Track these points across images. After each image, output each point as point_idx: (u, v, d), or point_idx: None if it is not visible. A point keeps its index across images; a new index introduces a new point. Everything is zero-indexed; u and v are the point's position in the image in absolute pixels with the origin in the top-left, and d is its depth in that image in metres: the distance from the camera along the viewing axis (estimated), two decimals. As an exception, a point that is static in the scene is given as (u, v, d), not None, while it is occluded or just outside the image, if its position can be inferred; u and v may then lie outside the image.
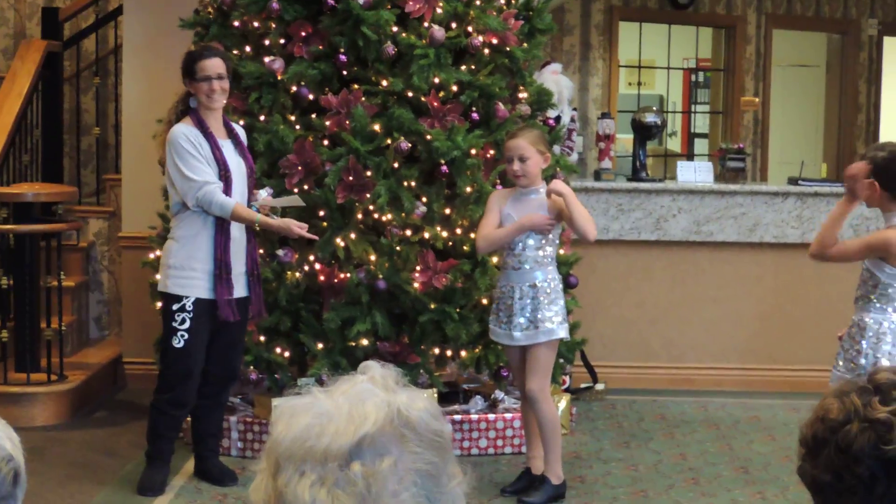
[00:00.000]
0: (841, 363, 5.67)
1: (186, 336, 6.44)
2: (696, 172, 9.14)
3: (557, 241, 6.59)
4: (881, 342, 5.64)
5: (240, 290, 6.56)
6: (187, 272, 6.43)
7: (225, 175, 6.42)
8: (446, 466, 1.81)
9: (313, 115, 7.42)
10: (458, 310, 7.21)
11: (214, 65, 6.46)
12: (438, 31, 7.34)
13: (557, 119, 8.40)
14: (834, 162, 13.19)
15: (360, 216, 7.30)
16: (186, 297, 6.43)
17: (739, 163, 9.36)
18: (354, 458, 1.72)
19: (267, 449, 1.76)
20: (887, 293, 5.58)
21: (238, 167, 6.54)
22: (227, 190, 6.41)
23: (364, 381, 1.82)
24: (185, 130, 6.42)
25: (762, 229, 8.95)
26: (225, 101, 6.56)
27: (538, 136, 6.52)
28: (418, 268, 7.23)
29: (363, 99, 7.32)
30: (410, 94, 7.35)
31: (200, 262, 6.44)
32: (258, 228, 6.60)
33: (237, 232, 6.53)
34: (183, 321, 6.44)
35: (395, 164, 7.30)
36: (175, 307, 6.44)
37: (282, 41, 7.49)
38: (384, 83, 7.37)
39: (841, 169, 10.66)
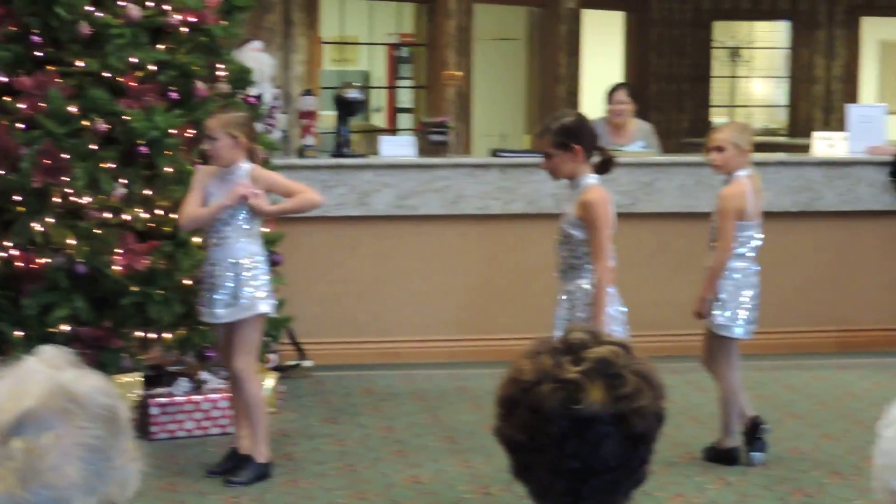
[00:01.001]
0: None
1: None
2: (398, 147, 9.24)
3: (260, 218, 6.58)
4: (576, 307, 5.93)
5: None
6: None
7: None
8: (117, 442, 1.82)
9: (7, 98, 7.22)
10: (160, 291, 7.13)
11: None
12: (134, 10, 7.24)
13: (259, 97, 8.38)
14: (536, 133, 13.47)
15: (57, 199, 7.15)
16: None
17: (442, 136, 9.48)
18: (15, 434, 1.73)
19: None
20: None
21: None
22: None
23: (32, 361, 1.82)
24: None
25: (465, 202, 9.11)
26: None
27: (231, 120, 6.47)
28: (119, 250, 7.13)
29: (58, 80, 7.17)
30: (107, 74, 7.24)
31: None
32: None
33: None
34: None
35: (93, 146, 7.17)
36: None
37: (-29, 22, 7.28)
38: (80, 64, 7.25)
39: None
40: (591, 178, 6.08)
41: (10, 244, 7.11)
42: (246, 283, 6.41)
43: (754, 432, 6.83)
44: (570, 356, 2.26)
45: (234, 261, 6.43)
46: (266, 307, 6.49)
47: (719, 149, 6.77)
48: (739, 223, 6.71)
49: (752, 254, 6.81)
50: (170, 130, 7.23)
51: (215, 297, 6.43)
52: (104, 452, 1.80)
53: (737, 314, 6.74)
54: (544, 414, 2.21)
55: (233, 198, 6.37)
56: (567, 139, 5.98)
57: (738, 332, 6.76)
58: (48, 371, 1.79)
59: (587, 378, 2.22)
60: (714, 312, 6.76)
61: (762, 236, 6.85)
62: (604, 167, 6.13)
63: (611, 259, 6.11)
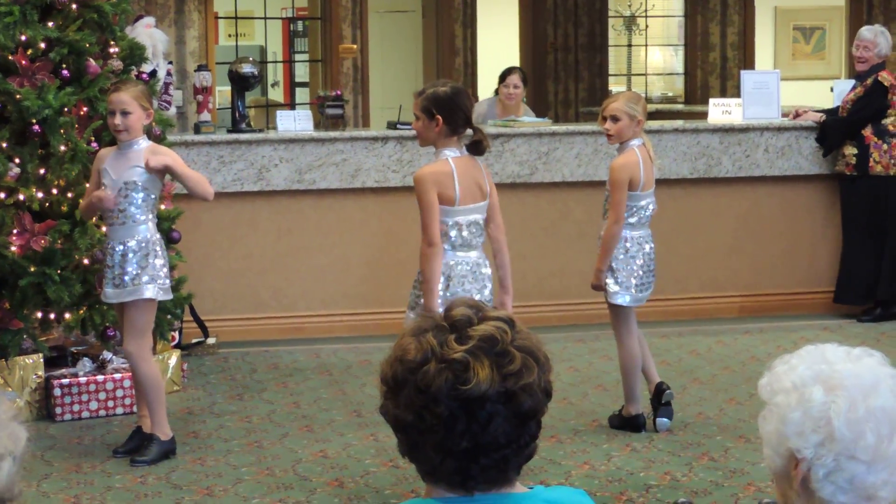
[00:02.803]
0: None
1: None
2: (295, 121, 9.17)
3: (154, 197, 6.49)
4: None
5: None
6: None
7: None
8: None
9: None
10: (59, 271, 7.03)
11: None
12: (23, -13, 7.11)
13: (153, 73, 8.28)
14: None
15: (-50, 181, 7.03)
16: None
17: (338, 110, 9.44)
18: None
19: None
20: None
21: None
22: None
23: None
24: None
25: (364, 174, 9.07)
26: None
27: (141, 91, 6.43)
28: (15, 231, 7.03)
29: (-53, 59, 7.05)
30: (-3, 53, 7.11)
31: None
32: None
33: None
34: None
35: (-15, 126, 7.06)
36: None
37: None
38: (-31, 43, 7.11)
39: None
40: (447, 153, 5.79)
41: None
42: (132, 265, 6.34)
43: (659, 398, 6.88)
44: (455, 334, 2.25)
45: (122, 243, 6.35)
46: (150, 292, 6.38)
47: (614, 118, 6.77)
48: (631, 193, 6.73)
49: (645, 222, 6.84)
50: (63, 109, 7.12)
51: (105, 277, 6.39)
52: None
53: (629, 282, 6.77)
54: (432, 394, 2.21)
55: (101, 204, 6.34)
56: (432, 107, 5.86)
57: (627, 299, 6.78)
58: None
59: (474, 357, 2.22)
60: (606, 281, 6.79)
61: (655, 206, 6.88)
62: (474, 147, 5.83)
63: (434, 243, 5.78)
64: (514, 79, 10.41)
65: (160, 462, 6.44)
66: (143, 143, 6.43)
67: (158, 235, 6.49)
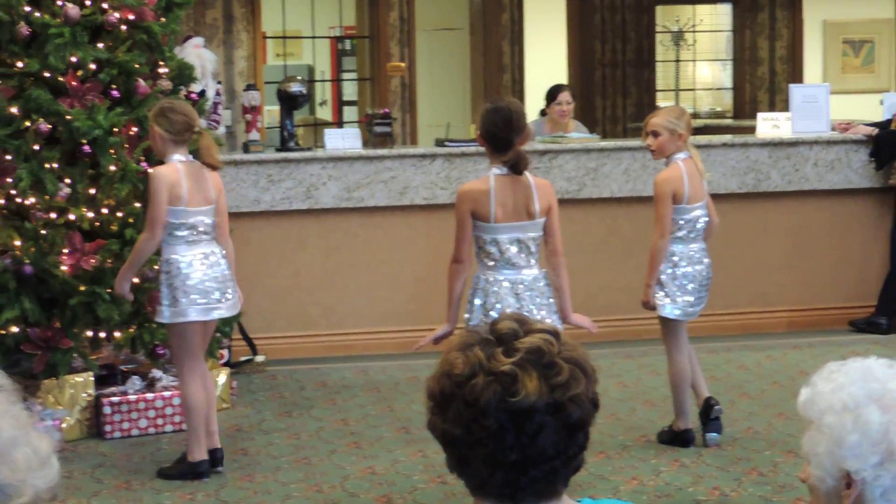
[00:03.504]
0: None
1: None
2: (343, 139, 9.21)
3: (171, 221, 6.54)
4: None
5: None
6: None
7: None
8: None
9: (-53, 101, 7.17)
10: (109, 290, 7.09)
11: None
12: (73, 9, 7.19)
13: (202, 93, 8.34)
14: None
15: (1, 201, 7.10)
16: None
17: (386, 127, 9.47)
18: None
19: None
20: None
21: None
22: None
23: None
24: None
25: (412, 192, 9.10)
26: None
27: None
28: (66, 250, 7.09)
29: (-1, 81, 7.13)
30: (48, 74, 7.20)
31: None
32: None
33: None
34: None
35: (36, 147, 7.14)
36: None
37: None
38: (20, 64, 7.21)
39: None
40: (494, 171, 5.85)
41: (-45, 247, 7.05)
42: (161, 288, 6.45)
43: (708, 413, 6.85)
44: (502, 347, 2.25)
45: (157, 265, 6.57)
46: (160, 317, 6.45)
47: (654, 133, 6.78)
48: (677, 206, 6.72)
49: (694, 235, 6.81)
50: (113, 129, 7.18)
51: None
52: None
53: (676, 295, 6.75)
54: (480, 408, 2.20)
55: None
56: (480, 125, 5.95)
57: (676, 312, 6.76)
58: None
59: (521, 369, 2.21)
60: (656, 294, 6.78)
61: (708, 218, 6.85)
62: (513, 166, 5.83)
63: (459, 260, 5.96)
64: (566, 95, 10.40)
65: (177, 481, 6.47)
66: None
67: (170, 258, 6.42)
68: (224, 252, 6.53)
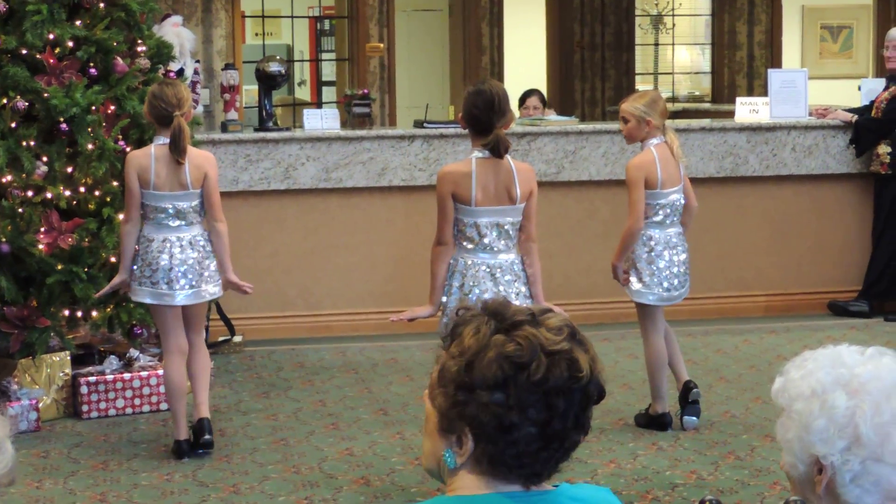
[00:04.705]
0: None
1: None
2: (322, 120, 9.18)
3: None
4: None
5: None
6: None
7: None
8: None
9: (-77, 77, 7.12)
10: (86, 269, 7.07)
11: None
12: (51, -14, 7.15)
13: (180, 72, 8.30)
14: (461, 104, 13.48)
15: (-22, 179, 7.07)
16: None
17: (365, 108, 9.46)
18: None
19: None
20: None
21: None
22: None
23: None
24: None
25: (391, 173, 9.08)
26: None
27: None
28: (43, 229, 7.06)
29: (-25, 59, 7.09)
30: (25, 51, 7.17)
31: None
32: None
33: None
34: None
35: (13, 124, 7.11)
36: None
37: None
38: (-4, 41, 7.16)
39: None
40: (476, 153, 5.81)
41: (-69, 225, 7.01)
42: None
43: (686, 396, 6.86)
44: (542, 327, 2.24)
45: None
46: (134, 296, 6.55)
47: (624, 119, 6.80)
48: (651, 192, 6.72)
49: (671, 220, 6.82)
50: (90, 107, 7.15)
51: None
52: None
53: (652, 281, 6.76)
54: (548, 387, 2.19)
55: None
56: (462, 107, 5.94)
57: (651, 298, 6.78)
58: None
59: (574, 346, 2.21)
60: (631, 279, 6.79)
61: (685, 201, 6.86)
62: (493, 149, 5.77)
63: (442, 242, 5.89)
64: (534, 101, 10.51)
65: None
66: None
67: (142, 237, 6.47)
68: (208, 235, 6.52)
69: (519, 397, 2.19)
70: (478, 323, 2.26)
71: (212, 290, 6.56)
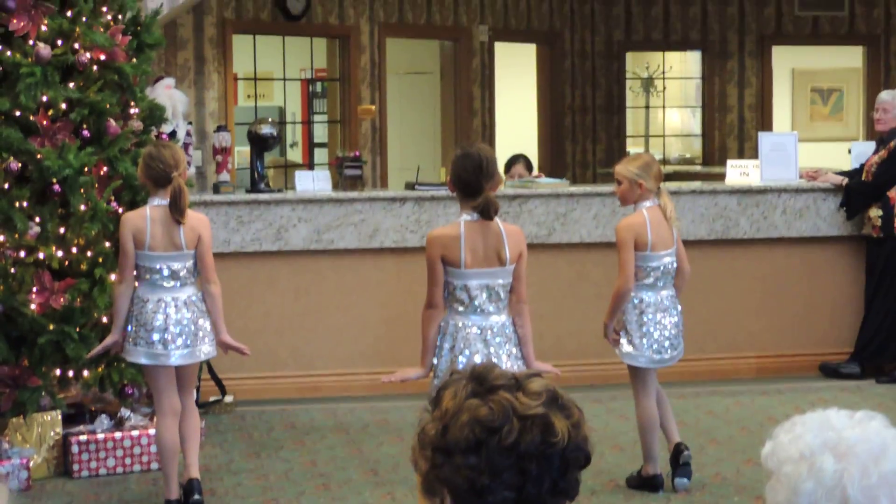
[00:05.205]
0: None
1: None
2: (314, 181, 9.22)
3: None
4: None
5: None
6: None
7: None
8: None
9: (-83, 138, 7.15)
10: (77, 329, 7.08)
11: None
12: (44, 49, 7.20)
13: (172, 134, 8.35)
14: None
15: (-30, 239, 7.09)
16: None
17: (356, 170, 9.48)
18: None
19: None
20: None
21: None
22: None
23: None
24: None
25: (382, 235, 9.10)
26: None
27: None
28: (35, 289, 7.07)
29: (-30, 120, 7.12)
30: (18, 113, 7.20)
31: None
32: None
33: None
34: None
35: (6, 185, 7.14)
36: None
37: None
38: (-10, 103, 7.19)
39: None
40: (464, 216, 5.87)
41: (-77, 285, 7.02)
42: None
43: (678, 459, 6.85)
44: (520, 391, 2.23)
45: None
46: (129, 356, 6.56)
47: (618, 181, 6.85)
48: (642, 254, 6.75)
49: (663, 283, 6.84)
50: (83, 168, 7.18)
51: None
52: None
53: (642, 344, 6.77)
54: (520, 453, 2.18)
55: None
56: (450, 171, 5.98)
57: (641, 360, 6.79)
58: None
59: (550, 411, 2.21)
60: (621, 342, 6.81)
61: (676, 265, 6.87)
62: (483, 212, 5.82)
63: (432, 305, 5.95)
64: (519, 168, 10.57)
65: None
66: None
67: (135, 298, 6.48)
68: (202, 295, 6.54)
69: (491, 461, 2.18)
70: (457, 387, 2.26)
71: (206, 349, 6.57)
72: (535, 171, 11.25)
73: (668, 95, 17.04)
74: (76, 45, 7.37)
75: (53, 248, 7.17)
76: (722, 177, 10.24)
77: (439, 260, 5.83)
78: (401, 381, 6.05)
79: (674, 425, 6.98)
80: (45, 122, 7.20)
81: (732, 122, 16.17)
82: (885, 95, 9.69)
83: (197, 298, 6.52)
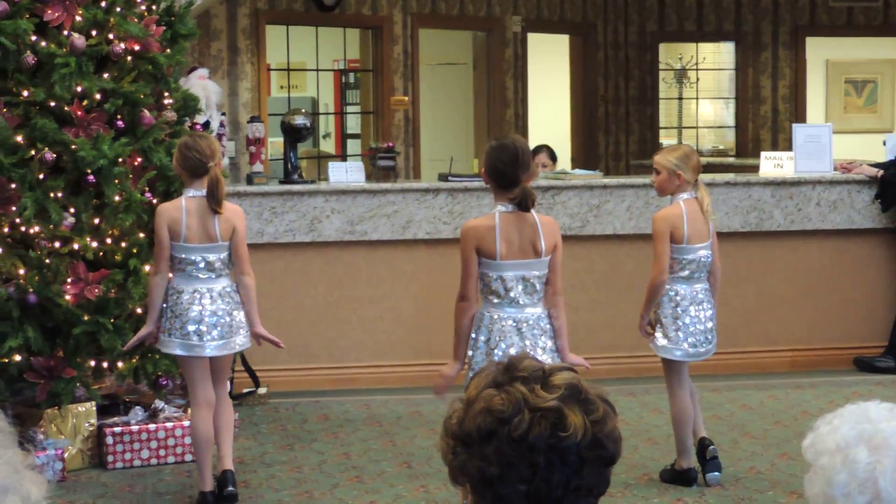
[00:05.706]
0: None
1: None
2: (347, 173, 9.22)
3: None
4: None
5: None
6: None
7: None
8: None
9: (-48, 128, 7.17)
10: (112, 320, 7.09)
11: None
12: (79, 40, 7.20)
13: (206, 124, 8.35)
14: (484, 157, 13.50)
15: (6, 229, 7.10)
16: None
17: (390, 161, 9.48)
18: None
19: None
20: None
21: None
22: None
23: None
24: None
25: (415, 226, 9.10)
26: None
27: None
28: (69, 280, 7.09)
29: (4, 110, 7.14)
30: (53, 103, 7.20)
31: None
32: None
33: None
34: None
35: (41, 176, 7.14)
36: None
37: (-85, 53, 7.22)
38: (25, 93, 7.21)
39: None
40: (499, 208, 5.83)
41: (-41, 275, 7.04)
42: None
43: (704, 453, 6.82)
44: (539, 384, 2.23)
45: None
46: (159, 343, 6.59)
47: (656, 171, 6.81)
48: (677, 246, 6.72)
49: (697, 276, 6.80)
50: (117, 159, 7.19)
51: None
52: None
53: (678, 337, 6.74)
54: (529, 444, 2.17)
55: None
56: (484, 162, 5.95)
57: (677, 354, 6.75)
58: None
59: (565, 405, 2.20)
60: (656, 335, 6.78)
61: (710, 259, 6.83)
62: (520, 203, 5.79)
63: (465, 297, 5.90)
64: (542, 157, 10.53)
65: None
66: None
67: (171, 289, 6.51)
68: (236, 287, 6.55)
69: (500, 452, 2.18)
70: (483, 376, 2.27)
71: (240, 341, 6.58)
72: (559, 165, 11.21)
73: (702, 86, 16.96)
74: (110, 36, 7.37)
75: (88, 239, 7.18)
76: (755, 168, 10.19)
77: (474, 251, 5.80)
78: (447, 384, 5.93)
79: (700, 420, 6.95)
80: (79, 113, 7.21)
81: (766, 113, 16.11)
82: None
83: (232, 290, 6.53)
